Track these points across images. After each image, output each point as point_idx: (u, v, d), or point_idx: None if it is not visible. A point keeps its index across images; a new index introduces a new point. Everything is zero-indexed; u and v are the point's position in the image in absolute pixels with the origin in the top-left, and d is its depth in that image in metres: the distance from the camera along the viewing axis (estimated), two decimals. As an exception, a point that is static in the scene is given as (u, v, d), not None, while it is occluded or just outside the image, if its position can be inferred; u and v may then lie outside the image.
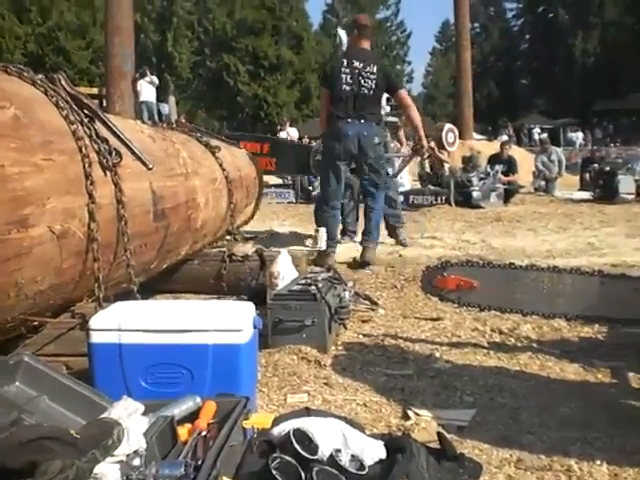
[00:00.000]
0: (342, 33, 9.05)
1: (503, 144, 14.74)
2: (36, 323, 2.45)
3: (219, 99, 46.47)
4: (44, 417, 1.76)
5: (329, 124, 5.93)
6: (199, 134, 4.94)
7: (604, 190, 12.75)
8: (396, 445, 1.93)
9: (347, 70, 5.77)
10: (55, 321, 2.52)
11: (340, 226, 6.58)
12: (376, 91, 5.84)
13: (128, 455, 1.52)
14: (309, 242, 6.43)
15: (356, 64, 5.78)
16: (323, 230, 5.61)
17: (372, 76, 5.77)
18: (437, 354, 3.35)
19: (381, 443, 1.92)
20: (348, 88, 5.74)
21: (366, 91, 5.76)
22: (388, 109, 8.96)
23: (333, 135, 5.87)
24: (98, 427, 1.55)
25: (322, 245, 5.25)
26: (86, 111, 2.72)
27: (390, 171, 7.29)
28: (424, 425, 2.42)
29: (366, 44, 6.06)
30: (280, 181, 14.24)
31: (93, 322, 2.18)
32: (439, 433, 2.17)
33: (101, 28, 31.77)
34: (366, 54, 5.96)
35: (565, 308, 3.37)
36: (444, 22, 67.55)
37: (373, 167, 5.83)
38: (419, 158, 13.35)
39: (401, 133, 10.64)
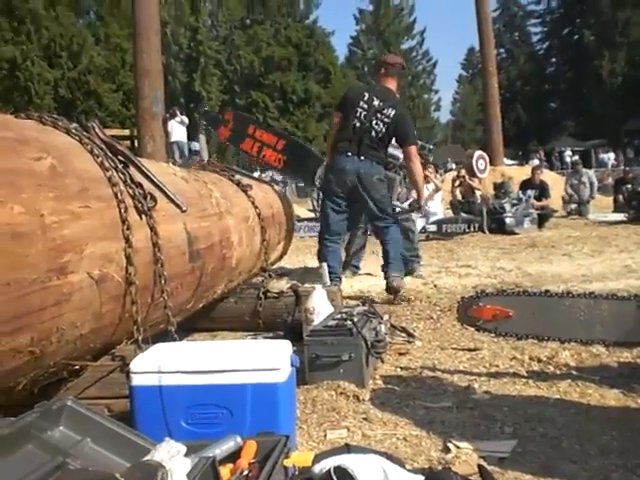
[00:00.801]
0: None
1: (534, 169, 14.70)
2: (77, 367, 2.48)
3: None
4: (88, 461, 1.78)
5: (331, 156, 5.86)
6: (230, 173, 5.00)
7: (639, 211, 12.62)
8: (437, 479, 1.93)
9: (365, 106, 5.65)
10: (96, 364, 2.55)
11: (342, 260, 6.41)
12: (384, 136, 5.69)
13: (172, 497, 1.54)
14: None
15: (375, 102, 5.67)
16: (325, 265, 5.44)
17: (386, 119, 5.64)
18: (476, 385, 3.33)
19: (422, 478, 1.92)
20: (358, 124, 5.63)
21: (374, 133, 5.63)
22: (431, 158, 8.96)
23: (331, 169, 5.81)
24: (142, 470, 1.57)
25: (326, 281, 5.20)
26: (120, 157, 2.78)
27: (405, 204, 7.17)
28: (465, 457, 2.41)
29: (392, 84, 5.93)
30: (312, 215, 14.28)
31: (133, 365, 2.21)
32: (480, 465, 2.15)
33: (130, 70, 32.40)
34: (388, 95, 5.82)
35: (603, 334, 3.35)
36: (469, 49, 67.97)
37: (377, 206, 5.70)
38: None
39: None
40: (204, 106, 16.66)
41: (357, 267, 7.16)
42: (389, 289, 5.63)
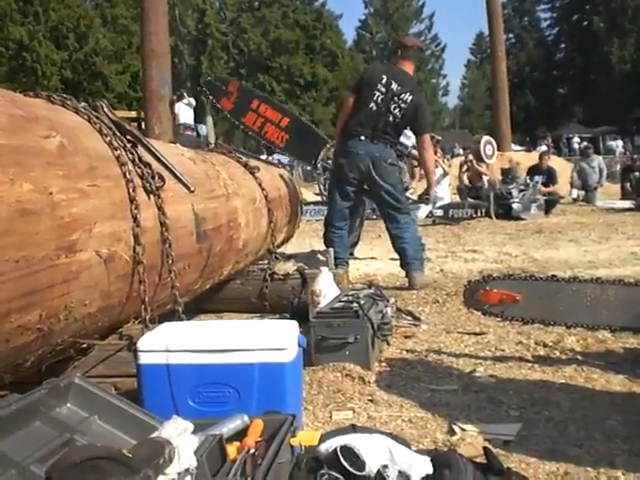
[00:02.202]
0: None
1: (542, 154, 14.66)
2: (85, 345, 2.49)
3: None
4: (96, 437, 1.79)
5: (340, 140, 5.76)
6: (238, 155, 4.99)
7: (646, 198, 12.61)
8: (443, 461, 1.93)
9: (383, 89, 5.51)
10: (103, 343, 2.56)
11: (348, 245, 6.27)
12: (401, 122, 5.58)
13: (179, 473, 1.54)
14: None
15: (394, 86, 5.52)
16: (331, 251, 5.39)
17: (403, 105, 5.52)
18: (481, 368, 3.33)
19: (427, 459, 1.92)
20: (375, 108, 5.50)
21: (391, 118, 5.52)
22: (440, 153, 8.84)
23: (342, 152, 5.68)
24: (150, 446, 1.58)
25: (332, 267, 5.16)
26: (129, 137, 2.77)
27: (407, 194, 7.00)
28: (470, 440, 2.42)
29: (409, 67, 5.78)
30: (318, 198, 14.28)
31: (141, 343, 2.22)
32: (485, 448, 2.16)
33: (137, 52, 32.32)
34: (406, 79, 5.68)
35: (609, 319, 3.34)
36: (478, 34, 67.63)
37: (390, 191, 5.58)
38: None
39: (417, 169, 10.54)
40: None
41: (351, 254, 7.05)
42: (412, 287, 5.47)
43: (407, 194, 6.92)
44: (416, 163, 9.37)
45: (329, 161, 6.90)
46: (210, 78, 9.22)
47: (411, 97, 5.56)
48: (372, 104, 5.51)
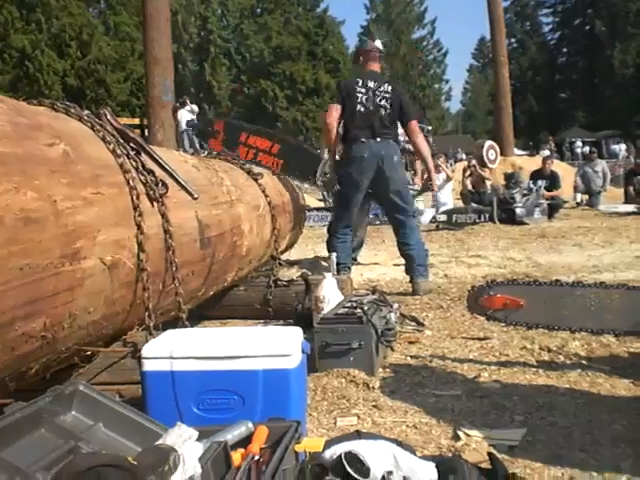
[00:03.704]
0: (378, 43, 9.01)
1: (545, 159, 14.66)
2: (89, 353, 2.49)
3: (258, 125, 46.81)
4: (101, 445, 1.79)
5: (344, 149, 5.79)
6: (241, 162, 5.00)
7: (649, 203, 12.60)
8: (447, 466, 1.93)
9: (362, 90, 5.63)
10: (107, 350, 2.57)
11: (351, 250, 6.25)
12: (392, 112, 5.64)
13: (184, 481, 1.55)
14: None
15: (370, 84, 5.64)
16: (334, 256, 5.34)
17: (387, 95, 5.63)
18: (486, 374, 3.32)
19: (432, 464, 1.93)
20: (363, 109, 5.59)
21: (383, 111, 5.60)
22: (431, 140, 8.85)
23: (348, 161, 5.68)
24: (154, 454, 1.58)
25: (334, 272, 5.15)
26: (132, 144, 2.78)
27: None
28: (475, 445, 2.41)
29: (376, 67, 5.92)
30: (322, 204, 14.29)
31: (145, 350, 2.22)
32: (490, 453, 2.16)
33: (140, 59, 32.40)
34: (378, 75, 5.85)
35: (613, 324, 3.33)
36: (480, 39, 67.81)
37: (397, 190, 5.60)
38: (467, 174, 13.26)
39: (418, 163, 10.49)
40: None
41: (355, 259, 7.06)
42: (415, 292, 5.45)
43: (410, 187, 6.92)
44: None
45: (327, 176, 6.89)
46: (197, 121, 9.21)
47: (390, 87, 5.71)
48: (359, 106, 5.62)
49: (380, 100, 5.62)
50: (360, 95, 5.63)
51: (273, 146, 7.96)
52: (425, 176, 5.75)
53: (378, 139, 5.55)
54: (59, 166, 2.13)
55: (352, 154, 5.63)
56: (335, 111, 5.75)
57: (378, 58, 6.03)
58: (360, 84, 5.67)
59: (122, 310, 2.54)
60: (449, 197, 14.23)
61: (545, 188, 12.84)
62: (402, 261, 5.74)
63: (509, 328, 3.91)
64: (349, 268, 5.80)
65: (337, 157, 6.01)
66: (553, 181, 13.26)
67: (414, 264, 5.56)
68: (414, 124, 5.84)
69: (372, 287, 4.84)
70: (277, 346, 2.20)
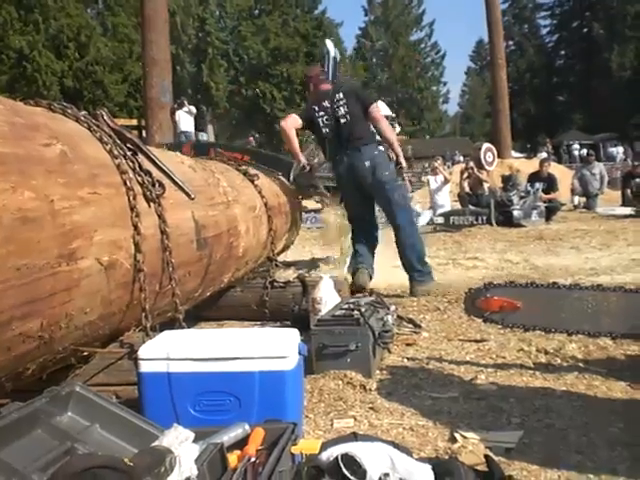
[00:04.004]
0: (329, 43, 9.02)
1: (542, 161, 14.68)
2: (86, 353, 2.49)
3: (256, 126, 46.84)
4: (97, 446, 1.79)
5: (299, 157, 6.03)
6: (237, 163, 5.00)
7: (646, 205, 12.62)
8: (444, 468, 1.93)
9: (321, 113, 5.74)
10: (104, 351, 2.56)
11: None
12: (352, 116, 5.68)
13: (180, 482, 1.54)
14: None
15: (325, 103, 5.74)
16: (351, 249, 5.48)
17: (342, 101, 5.70)
18: (482, 376, 3.32)
19: (429, 467, 1.92)
20: (328, 130, 5.71)
21: (343, 119, 5.66)
22: (398, 129, 8.82)
23: (339, 178, 5.86)
24: (150, 455, 1.57)
25: (344, 268, 5.14)
26: (129, 145, 2.78)
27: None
28: (471, 448, 2.41)
29: (326, 87, 6.00)
30: (319, 206, 14.27)
31: (142, 352, 2.21)
32: (486, 455, 2.16)
33: (137, 60, 32.37)
34: (329, 92, 5.88)
35: (610, 326, 3.33)
36: (478, 41, 67.89)
37: (382, 189, 5.64)
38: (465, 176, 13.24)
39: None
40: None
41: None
42: (413, 294, 5.47)
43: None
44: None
45: (295, 181, 6.92)
46: (166, 144, 9.28)
47: (341, 93, 5.78)
48: (324, 130, 5.76)
49: (338, 110, 5.70)
50: (320, 120, 5.75)
51: (243, 157, 8.05)
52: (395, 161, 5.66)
53: (348, 151, 5.66)
54: (56, 166, 2.12)
55: (335, 172, 5.86)
56: (291, 118, 5.94)
57: (323, 80, 6.19)
58: (317, 109, 5.79)
59: (119, 311, 2.53)
60: (447, 199, 14.24)
61: (542, 191, 12.86)
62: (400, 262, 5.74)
63: (506, 330, 3.90)
64: (371, 268, 5.80)
65: (303, 160, 6.15)
66: (550, 184, 13.27)
67: (413, 263, 5.59)
68: (374, 109, 5.83)
69: (369, 289, 4.84)
70: (274, 348, 2.20)
